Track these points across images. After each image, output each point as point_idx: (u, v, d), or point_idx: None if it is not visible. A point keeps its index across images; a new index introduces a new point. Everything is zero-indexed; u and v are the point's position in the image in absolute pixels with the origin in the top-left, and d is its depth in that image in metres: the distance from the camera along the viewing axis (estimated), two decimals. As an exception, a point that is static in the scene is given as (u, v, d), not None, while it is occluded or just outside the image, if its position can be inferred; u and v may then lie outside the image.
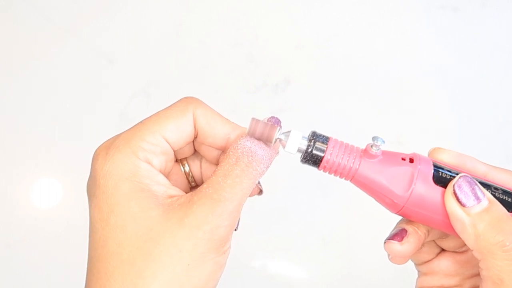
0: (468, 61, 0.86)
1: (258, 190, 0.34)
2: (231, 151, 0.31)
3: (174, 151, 0.33)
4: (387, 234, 0.36)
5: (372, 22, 0.89)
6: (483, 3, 0.88)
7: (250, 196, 0.34)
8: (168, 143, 0.32)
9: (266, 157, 0.32)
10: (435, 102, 0.85)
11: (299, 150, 0.33)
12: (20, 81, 0.85)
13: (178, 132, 0.32)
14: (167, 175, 0.33)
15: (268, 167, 0.32)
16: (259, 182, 0.34)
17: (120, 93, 0.84)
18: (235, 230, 0.33)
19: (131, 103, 0.84)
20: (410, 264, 0.41)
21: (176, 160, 0.36)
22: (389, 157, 0.33)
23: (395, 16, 0.89)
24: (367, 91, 0.85)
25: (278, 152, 0.34)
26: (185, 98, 0.33)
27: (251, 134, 0.32)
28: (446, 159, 0.34)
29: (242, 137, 0.32)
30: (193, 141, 0.35)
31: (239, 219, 0.34)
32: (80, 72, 0.86)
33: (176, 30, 0.88)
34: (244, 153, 0.31)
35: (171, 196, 0.31)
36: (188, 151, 0.36)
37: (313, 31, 0.88)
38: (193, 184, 0.37)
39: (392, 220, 0.37)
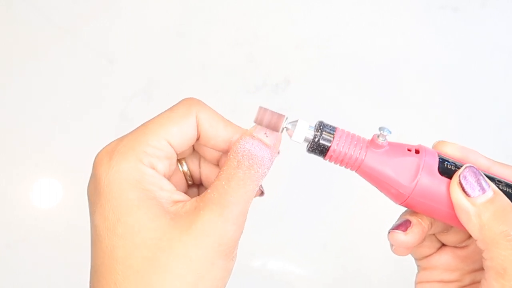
0: (468, 61, 0.87)
1: (260, 192, 0.34)
2: (232, 155, 0.31)
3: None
4: (387, 232, 0.36)
5: (372, 22, 0.89)
6: (483, 3, 0.88)
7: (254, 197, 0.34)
8: (172, 146, 0.31)
9: (266, 158, 0.32)
10: (435, 102, 0.85)
11: (305, 140, 0.33)
12: (20, 81, 0.85)
13: (181, 135, 0.31)
14: (169, 178, 0.33)
15: (269, 168, 0.32)
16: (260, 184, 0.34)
17: (120, 93, 0.85)
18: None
19: (131, 103, 0.84)
20: (410, 264, 0.41)
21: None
22: (395, 147, 0.33)
23: (395, 16, 0.89)
24: (367, 91, 0.85)
25: (279, 152, 0.34)
26: (187, 99, 0.33)
27: (259, 122, 0.32)
28: (450, 152, 0.35)
29: (241, 139, 0.32)
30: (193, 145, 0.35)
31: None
32: (80, 72, 0.86)
33: (176, 30, 0.88)
34: (245, 156, 0.31)
35: (176, 202, 0.30)
36: (187, 151, 0.36)
37: (313, 31, 0.88)
38: (190, 183, 0.37)
39: (392, 219, 0.37)
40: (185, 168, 0.36)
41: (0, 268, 0.78)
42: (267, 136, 0.32)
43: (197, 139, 0.33)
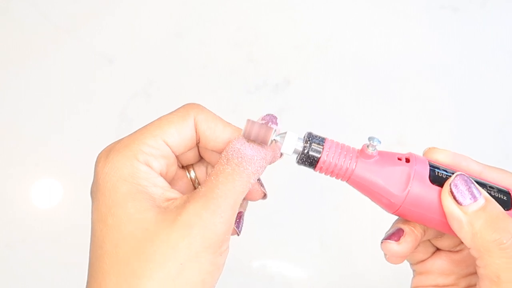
0: (468, 61, 0.86)
1: (262, 194, 0.34)
2: (223, 154, 0.32)
3: (177, 156, 0.33)
4: (384, 234, 0.36)
5: (372, 22, 0.89)
6: (483, 3, 0.88)
7: (254, 200, 0.34)
8: (169, 147, 0.32)
9: (257, 157, 0.32)
10: (435, 102, 0.85)
11: (295, 152, 0.32)
12: (19, 81, 0.85)
13: (179, 136, 0.32)
14: (170, 180, 0.33)
15: (263, 166, 0.32)
16: (263, 186, 0.34)
17: (120, 93, 0.84)
18: (238, 235, 0.33)
19: (131, 103, 0.84)
20: (408, 266, 0.41)
21: (183, 167, 0.37)
22: (385, 157, 0.33)
23: (395, 16, 0.89)
24: (367, 91, 0.85)
25: (281, 155, 0.34)
26: (187, 104, 0.33)
27: (247, 136, 0.32)
28: (441, 159, 0.35)
29: (234, 139, 0.32)
30: (198, 147, 0.35)
31: (242, 224, 0.34)
32: (79, 72, 0.86)
33: (176, 30, 0.88)
34: (234, 154, 0.31)
35: (169, 199, 0.31)
36: (194, 157, 0.36)
37: (313, 31, 0.88)
38: None
39: (389, 220, 0.37)
40: (192, 175, 0.37)
41: (0, 268, 0.78)
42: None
43: (199, 143, 0.34)
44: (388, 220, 0.37)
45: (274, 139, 0.32)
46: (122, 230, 0.29)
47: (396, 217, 0.36)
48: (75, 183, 0.81)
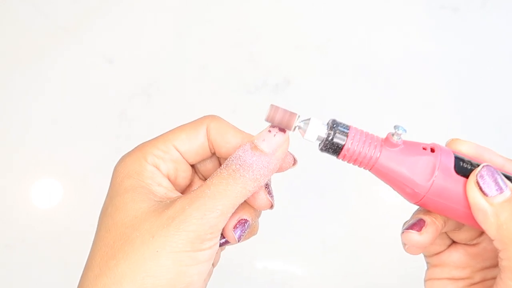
0: (468, 60, 0.87)
1: (270, 204, 0.34)
2: (226, 160, 0.32)
3: (194, 166, 0.35)
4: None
5: (372, 22, 0.89)
6: (483, 3, 0.88)
7: (260, 209, 0.34)
8: (179, 152, 0.33)
9: (257, 165, 0.31)
10: (435, 101, 0.85)
11: (318, 138, 0.32)
12: (19, 81, 0.85)
13: (189, 142, 0.33)
14: (184, 187, 0.35)
15: (264, 175, 0.32)
16: (271, 195, 0.34)
17: (120, 93, 0.84)
18: (237, 242, 0.33)
19: (131, 103, 0.84)
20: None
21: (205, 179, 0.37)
22: (410, 146, 0.33)
23: (395, 16, 0.89)
24: (368, 91, 0.85)
25: (295, 162, 0.34)
26: (205, 115, 0.34)
27: (270, 121, 0.31)
28: (464, 150, 0.34)
29: (240, 146, 0.32)
30: (219, 160, 0.36)
31: (243, 231, 0.33)
32: (80, 72, 0.86)
33: (176, 30, 0.87)
34: (234, 160, 0.32)
35: (170, 199, 0.32)
36: (213, 169, 0.36)
37: (313, 31, 0.88)
38: None
39: (392, 221, 0.37)
40: None
41: (0, 268, 0.78)
42: (263, 141, 0.32)
43: (215, 153, 0.34)
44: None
45: (298, 125, 0.32)
46: (115, 217, 0.31)
47: (407, 211, 0.36)
48: (75, 183, 0.81)
